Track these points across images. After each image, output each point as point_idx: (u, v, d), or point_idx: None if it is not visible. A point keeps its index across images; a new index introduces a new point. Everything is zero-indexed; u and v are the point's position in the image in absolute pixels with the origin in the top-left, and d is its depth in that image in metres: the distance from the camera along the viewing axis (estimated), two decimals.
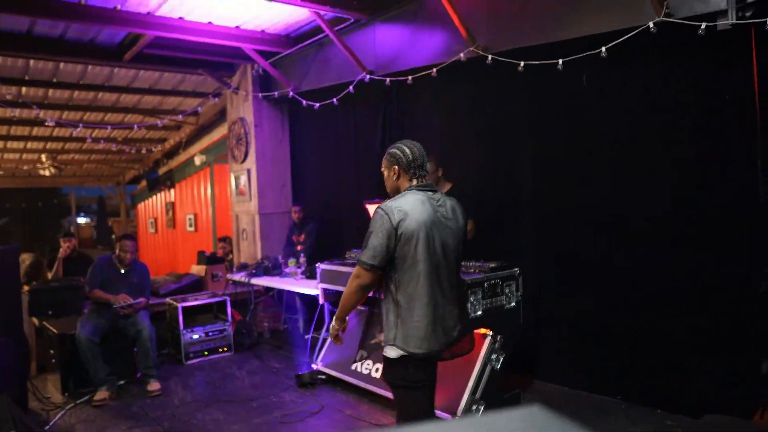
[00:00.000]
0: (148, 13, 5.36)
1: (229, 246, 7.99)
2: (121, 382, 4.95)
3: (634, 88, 4.00)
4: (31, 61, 6.75)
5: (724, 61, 3.56)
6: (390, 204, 2.53)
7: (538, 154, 4.59)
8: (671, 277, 3.77)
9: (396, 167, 2.65)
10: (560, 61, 3.92)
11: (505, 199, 4.77)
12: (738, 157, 3.53)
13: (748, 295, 3.43)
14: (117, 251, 5.12)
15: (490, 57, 4.35)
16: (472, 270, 3.78)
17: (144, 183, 13.62)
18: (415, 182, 2.63)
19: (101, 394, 4.62)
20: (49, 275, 7.02)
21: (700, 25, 3.18)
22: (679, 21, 3.28)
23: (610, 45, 3.62)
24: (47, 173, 11.31)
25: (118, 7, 5.19)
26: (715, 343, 3.57)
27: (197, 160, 10.12)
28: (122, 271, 5.09)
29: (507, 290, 3.79)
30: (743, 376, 3.44)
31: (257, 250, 7.17)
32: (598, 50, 3.67)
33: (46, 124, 7.81)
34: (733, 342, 3.51)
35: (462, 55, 4.53)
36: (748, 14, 3.12)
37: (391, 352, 2.54)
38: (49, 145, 11.13)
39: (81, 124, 7.64)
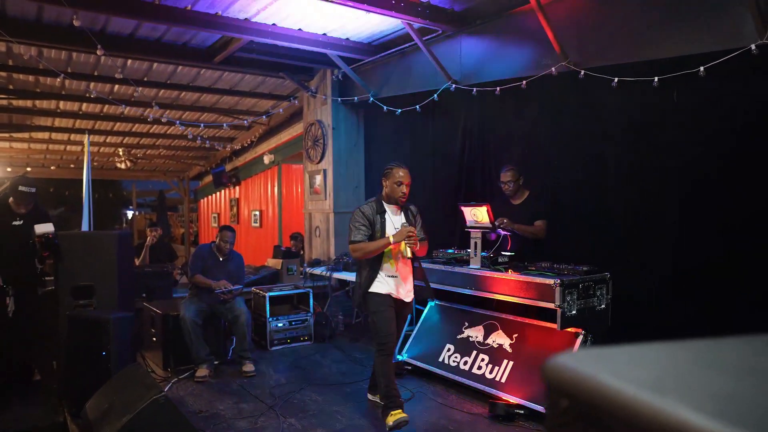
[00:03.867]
0: (246, 19, 5.74)
1: (300, 243, 8.35)
2: (216, 362, 5.27)
3: (728, 109, 4.10)
4: (129, 61, 7.23)
5: None
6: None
7: (623, 166, 4.76)
8: None
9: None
10: (656, 79, 4.12)
11: (590, 207, 4.93)
12: None
13: None
14: (217, 241, 5.47)
15: (582, 72, 4.57)
16: (566, 272, 4.00)
17: (209, 179, 14.12)
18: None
19: (202, 371, 4.95)
20: (137, 261, 7.49)
21: None
22: None
23: (708, 65, 3.80)
24: (123, 166, 11.92)
25: (219, 12, 5.57)
26: None
27: (266, 159, 10.52)
28: (221, 259, 5.44)
29: (598, 293, 3.99)
30: None
31: (330, 247, 7.49)
32: (696, 69, 3.86)
33: (150, 118, 8.28)
34: None
35: (554, 69, 4.75)
36: None
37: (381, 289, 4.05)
38: (126, 140, 11.73)
39: (178, 122, 8.11)
